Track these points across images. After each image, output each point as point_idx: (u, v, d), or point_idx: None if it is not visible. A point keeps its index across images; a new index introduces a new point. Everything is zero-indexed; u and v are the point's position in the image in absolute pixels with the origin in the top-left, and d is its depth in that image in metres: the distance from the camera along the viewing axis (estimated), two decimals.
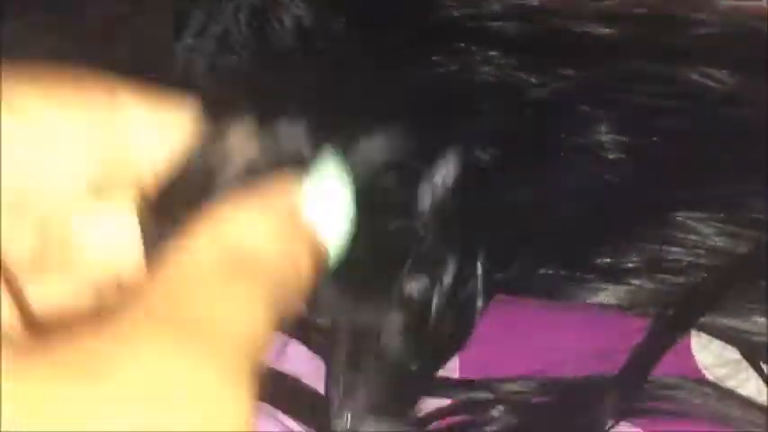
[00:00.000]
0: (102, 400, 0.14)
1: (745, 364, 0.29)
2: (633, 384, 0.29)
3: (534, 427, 0.29)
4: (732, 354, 0.30)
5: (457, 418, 0.28)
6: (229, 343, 0.16)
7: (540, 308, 0.31)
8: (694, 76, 0.40)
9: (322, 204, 0.20)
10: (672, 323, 0.30)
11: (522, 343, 0.30)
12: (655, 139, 0.35)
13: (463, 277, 0.28)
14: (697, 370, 0.29)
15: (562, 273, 0.31)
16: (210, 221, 0.18)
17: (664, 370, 0.29)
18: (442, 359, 0.29)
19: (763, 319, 0.29)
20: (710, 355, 0.30)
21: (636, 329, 0.30)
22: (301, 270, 0.19)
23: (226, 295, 0.17)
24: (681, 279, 0.31)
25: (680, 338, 0.30)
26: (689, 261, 0.31)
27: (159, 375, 0.15)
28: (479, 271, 0.28)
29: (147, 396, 0.14)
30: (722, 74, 0.39)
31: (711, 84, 0.39)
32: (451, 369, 0.30)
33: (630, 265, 0.31)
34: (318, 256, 0.20)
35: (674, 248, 0.31)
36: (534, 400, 0.29)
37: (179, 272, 0.17)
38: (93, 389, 0.14)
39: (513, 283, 0.32)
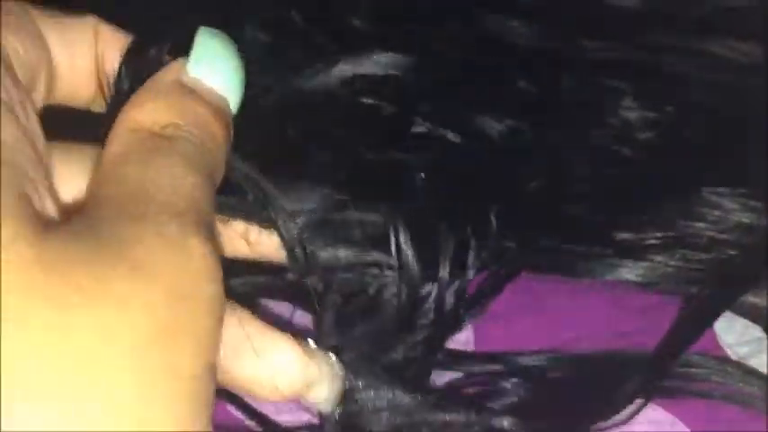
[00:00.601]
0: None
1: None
2: (667, 363, 0.28)
3: (549, 401, 0.28)
4: (755, 331, 0.29)
5: (471, 391, 0.28)
6: (174, 204, 0.18)
7: (557, 283, 0.31)
8: (721, 49, 0.39)
9: (212, 68, 0.23)
10: (710, 301, 0.29)
11: (539, 318, 0.30)
12: (681, 113, 0.34)
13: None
14: (719, 348, 0.29)
15: (581, 249, 0.31)
16: (122, 112, 0.21)
17: None
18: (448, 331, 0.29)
19: None
20: (733, 333, 0.29)
21: (654, 307, 0.30)
22: (214, 132, 0.21)
23: (154, 166, 0.19)
24: (703, 255, 0.30)
25: (718, 317, 0.29)
26: (712, 237, 0.30)
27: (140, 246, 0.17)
28: (472, 245, 0.28)
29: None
30: (749, 46, 0.38)
31: (738, 56, 0.38)
32: (466, 342, 0.29)
33: (652, 241, 0.30)
34: (224, 114, 0.22)
35: (697, 224, 0.31)
36: (549, 374, 0.28)
37: (110, 157, 0.20)
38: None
39: (533, 260, 0.31)
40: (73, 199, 0.21)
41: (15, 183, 0.17)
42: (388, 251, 0.26)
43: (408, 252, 0.26)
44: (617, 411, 0.27)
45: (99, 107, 0.25)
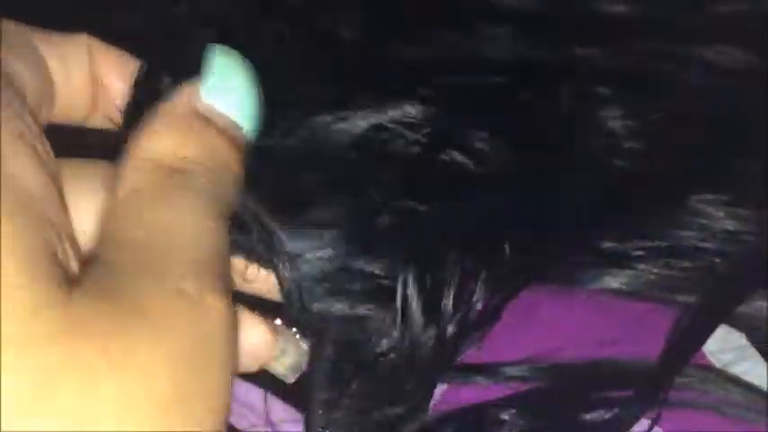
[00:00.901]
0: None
1: (751, 349, 0.29)
2: (668, 375, 0.28)
3: (537, 412, 0.29)
4: (738, 339, 0.29)
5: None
6: (192, 253, 0.18)
7: (542, 291, 0.31)
8: (710, 55, 0.39)
9: (227, 94, 0.22)
10: (709, 310, 0.30)
11: (524, 328, 0.30)
12: (668, 121, 0.34)
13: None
14: (702, 356, 0.29)
15: (567, 257, 0.31)
16: (136, 143, 0.21)
17: None
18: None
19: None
20: (716, 341, 0.29)
21: (639, 315, 0.30)
22: (228, 161, 0.21)
23: (170, 207, 0.19)
24: (688, 264, 0.30)
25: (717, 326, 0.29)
26: (698, 245, 0.31)
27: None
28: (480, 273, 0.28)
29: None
30: (737, 52, 0.38)
31: (727, 63, 0.38)
32: None
33: (637, 249, 0.31)
34: (238, 143, 0.22)
35: (682, 233, 0.31)
36: (535, 384, 0.28)
37: (126, 195, 0.19)
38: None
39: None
40: (85, 230, 0.21)
41: (42, 238, 0.17)
42: (388, 305, 0.26)
43: (414, 306, 0.26)
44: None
45: (94, 123, 0.25)
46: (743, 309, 0.29)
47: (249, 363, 0.24)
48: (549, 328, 0.30)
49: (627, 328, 0.30)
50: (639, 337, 0.29)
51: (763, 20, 0.42)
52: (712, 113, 0.36)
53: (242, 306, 0.24)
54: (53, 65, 0.22)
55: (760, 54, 0.38)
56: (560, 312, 0.30)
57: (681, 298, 0.30)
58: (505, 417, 0.28)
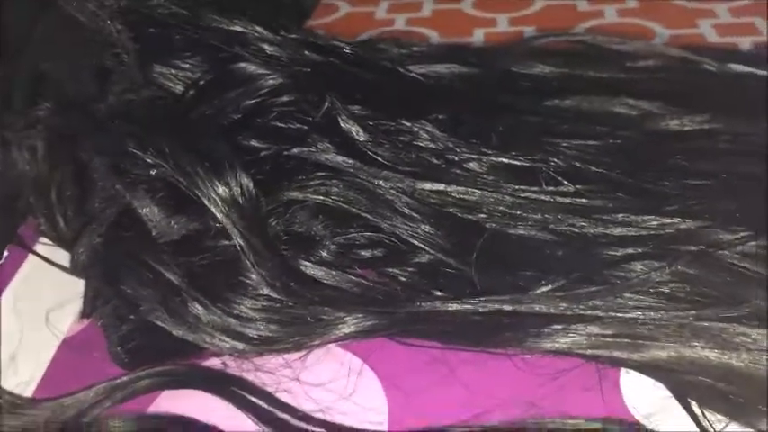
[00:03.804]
0: None
1: (673, 400, 0.29)
2: None
3: None
4: (661, 390, 0.30)
5: None
6: None
7: (471, 356, 0.31)
8: (619, 109, 0.41)
9: None
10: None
11: (452, 391, 0.30)
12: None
13: None
14: (624, 408, 0.29)
15: (492, 319, 0.31)
16: None
17: (590, 409, 0.29)
18: None
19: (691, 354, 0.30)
20: (639, 393, 0.30)
21: (565, 370, 0.31)
22: None
23: None
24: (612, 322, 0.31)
25: None
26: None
27: None
28: None
29: None
30: (643, 102, 0.40)
31: (633, 112, 0.40)
32: (380, 420, 0.30)
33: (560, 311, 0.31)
34: None
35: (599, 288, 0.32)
36: None
37: None
38: None
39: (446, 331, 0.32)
40: None
41: None
42: None
43: None
44: None
45: None
46: (662, 360, 0.29)
47: None
48: (478, 389, 0.30)
49: (552, 385, 0.30)
50: (564, 392, 0.30)
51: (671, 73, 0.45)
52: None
53: None
54: None
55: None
56: (488, 372, 0.31)
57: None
58: None
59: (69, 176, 0.35)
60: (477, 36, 0.61)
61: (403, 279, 0.34)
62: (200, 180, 0.30)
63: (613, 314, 0.31)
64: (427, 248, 0.34)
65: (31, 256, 0.38)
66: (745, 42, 0.55)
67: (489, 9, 0.66)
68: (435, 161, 0.36)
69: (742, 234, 0.32)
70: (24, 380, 0.33)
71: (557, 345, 0.31)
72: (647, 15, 0.61)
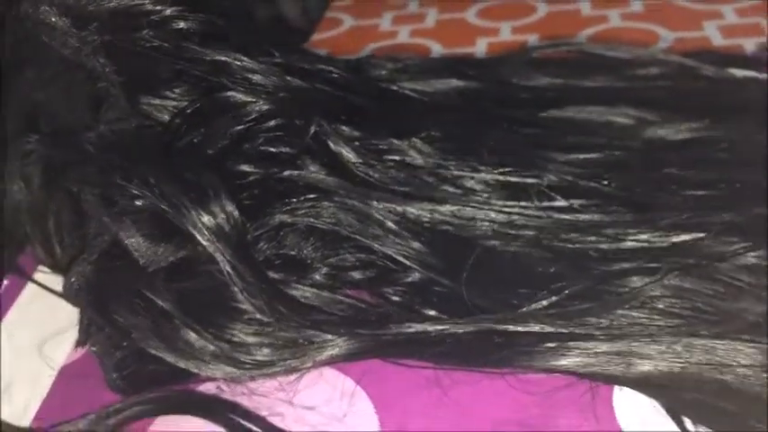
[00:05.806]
0: None
1: (666, 418, 0.29)
2: None
3: None
4: (654, 408, 0.29)
5: None
6: None
7: (464, 375, 0.31)
8: (615, 118, 0.41)
9: None
10: None
11: (447, 412, 0.30)
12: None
13: None
14: (617, 426, 0.29)
15: (483, 339, 0.31)
16: None
17: (583, 428, 0.29)
18: None
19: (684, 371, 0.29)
20: (632, 410, 0.29)
21: (558, 388, 0.30)
22: None
23: None
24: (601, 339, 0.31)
25: None
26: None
27: None
28: None
29: None
30: (640, 111, 0.39)
31: (630, 122, 0.40)
32: None
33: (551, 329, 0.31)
34: None
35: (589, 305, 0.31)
36: None
37: None
38: None
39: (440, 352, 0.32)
40: None
41: None
42: None
43: None
44: None
45: None
46: (655, 377, 0.29)
47: None
48: (472, 409, 0.30)
49: (545, 403, 0.30)
50: (556, 411, 0.30)
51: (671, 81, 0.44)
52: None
53: None
54: None
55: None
56: (482, 392, 0.31)
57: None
58: None
59: (65, 204, 0.36)
60: (480, 46, 0.61)
61: (395, 299, 0.34)
62: (186, 209, 0.31)
63: (606, 331, 0.30)
64: (418, 267, 0.34)
65: (29, 285, 0.39)
66: (750, 44, 0.54)
67: (492, 18, 0.66)
68: (427, 179, 0.36)
69: (739, 246, 0.32)
70: (19, 408, 0.33)
71: (549, 363, 0.30)
72: (651, 19, 0.61)
